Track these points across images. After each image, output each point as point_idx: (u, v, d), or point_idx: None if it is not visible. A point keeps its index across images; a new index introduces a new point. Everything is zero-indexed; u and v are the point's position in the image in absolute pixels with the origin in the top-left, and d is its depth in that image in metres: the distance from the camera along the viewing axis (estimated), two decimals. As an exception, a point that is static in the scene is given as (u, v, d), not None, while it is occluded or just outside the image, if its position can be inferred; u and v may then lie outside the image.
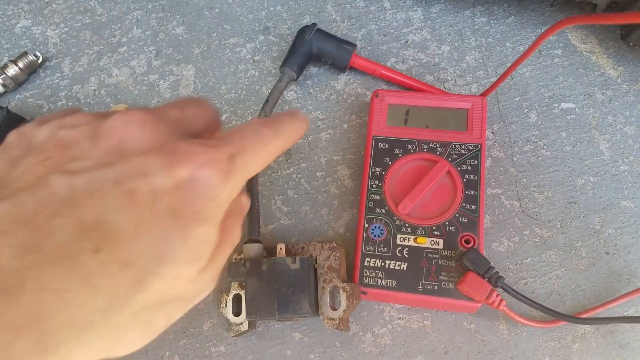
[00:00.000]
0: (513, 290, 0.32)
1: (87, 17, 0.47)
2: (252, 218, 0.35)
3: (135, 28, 0.46)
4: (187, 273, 0.20)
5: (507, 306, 0.32)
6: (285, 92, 0.43)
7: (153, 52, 0.45)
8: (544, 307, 0.32)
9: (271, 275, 0.31)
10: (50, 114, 0.26)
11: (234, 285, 0.34)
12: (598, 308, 0.34)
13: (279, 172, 0.40)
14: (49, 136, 0.20)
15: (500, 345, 0.34)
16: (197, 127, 0.23)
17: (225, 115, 0.43)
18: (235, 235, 0.23)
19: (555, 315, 0.32)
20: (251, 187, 0.36)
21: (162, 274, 0.18)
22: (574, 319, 0.33)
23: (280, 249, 0.33)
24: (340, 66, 0.42)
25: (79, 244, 0.17)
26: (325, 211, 0.39)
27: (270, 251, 0.34)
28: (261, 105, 0.40)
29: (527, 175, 0.39)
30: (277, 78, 0.41)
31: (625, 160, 0.39)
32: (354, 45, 0.41)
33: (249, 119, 0.42)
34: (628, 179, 0.38)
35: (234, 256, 0.35)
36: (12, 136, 0.22)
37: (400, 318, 0.35)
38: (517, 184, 0.39)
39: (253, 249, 0.33)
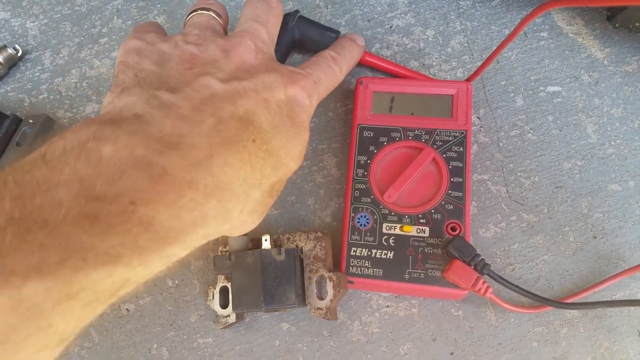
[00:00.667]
0: (499, 277, 0.32)
1: (66, 8, 0.46)
2: None
3: (115, 18, 0.45)
4: (294, 167, 0.27)
5: (494, 293, 0.32)
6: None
7: (134, 43, 0.44)
8: (530, 293, 0.32)
9: (257, 268, 0.31)
10: (139, 25, 0.30)
11: (220, 278, 0.34)
12: (585, 292, 0.34)
13: (264, 163, 0.40)
14: (180, 49, 0.25)
15: (488, 332, 0.34)
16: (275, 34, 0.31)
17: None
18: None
19: (541, 301, 0.32)
20: None
21: (287, 165, 0.25)
22: (560, 304, 0.33)
23: (266, 240, 0.33)
24: None
25: (243, 133, 0.23)
26: (311, 200, 0.39)
27: (256, 243, 0.34)
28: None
29: (513, 160, 0.39)
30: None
31: (612, 143, 0.39)
32: (337, 32, 0.41)
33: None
34: (615, 162, 0.38)
35: (220, 249, 0.34)
36: (135, 42, 0.26)
37: (387, 306, 0.35)
38: (504, 169, 0.38)
39: (238, 241, 0.33)
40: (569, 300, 0.34)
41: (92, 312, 0.18)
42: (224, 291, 0.34)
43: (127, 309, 0.37)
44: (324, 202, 0.38)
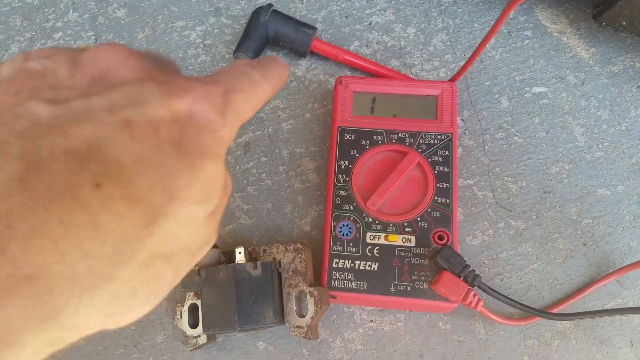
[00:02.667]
0: (491, 289, 0.30)
1: (16, 0, 0.42)
2: None
3: (71, 11, 0.42)
4: (197, 215, 0.18)
5: (484, 306, 0.30)
6: (242, 80, 0.40)
7: (92, 38, 0.41)
8: (524, 306, 0.30)
9: (230, 284, 0.28)
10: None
11: (189, 295, 0.31)
12: (574, 297, 0.33)
13: (237, 167, 0.37)
14: (17, 68, 0.18)
15: (477, 346, 0.32)
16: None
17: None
18: (229, 186, 0.22)
19: (535, 313, 0.31)
20: None
21: (174, 213, 0.16)
22: (553, 315, 0.31)
23: (240, 253, 0.30)
24: (300, 51, 0.39)
25: (76, 177, 0.14)
26: (289, 208, 0.36)
27: (229, 256, 0.31)
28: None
29: (500, 165, 0.37)
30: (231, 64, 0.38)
31: (600, 146, 0.37)
32: (313, 28, 0.38)
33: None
34: (603, 166, 0.37)
35: None
36: None
37: (371, 321, 0.33)
38: (490, 173, 0.37)
39: (208, 255, 0.30)
40: (559, 308, 0.32)
41: None
42: (193, 309, 0.31)
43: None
44: (303, 209, 0.36)
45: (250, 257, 0.31)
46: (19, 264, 0.13)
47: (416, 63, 0.40)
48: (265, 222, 0.35)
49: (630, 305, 0.33)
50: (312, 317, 0.29)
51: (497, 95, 0.39)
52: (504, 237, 0.35)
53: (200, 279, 0.28)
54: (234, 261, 0.30)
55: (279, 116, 0.39)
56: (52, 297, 0.14)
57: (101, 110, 0.16)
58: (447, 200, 0.32)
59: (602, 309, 0.32)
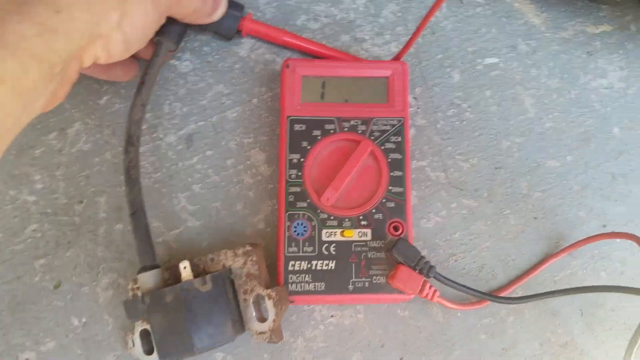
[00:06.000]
0: (446, 278, 0.30)
1: None
2: (141, 238, 0.29)
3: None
4: None
5: (441, 296, 0.31)
6: (178, 64, 0.36)
7: None
8: (479, 292, 0.31)
9: (179, 306, 0.26)
10: None
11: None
12: (525, 277, 0.33)
13: (180, 164, 0.35)
14: None
15: (436, 329, 0.33)
16: None
17: (107, 100, 0.35)
18: None
19: (490, 299, 0.31)
20: (133, 199, 0.30)
21: None
22: (507, 299, 0.32)
23: (185, 268, 0.28)
24: (227, 36, 0.35)
25: None
26: (239, 205, 0.34)
27: (173, 272, 0.29)
28: (135, 90, 0.32)
29: (452, 143, 0.36)
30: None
31: (550, 116, 0.37)
32: (240, 8, 0.35)
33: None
34: (553, 137, 0.37)
35: (130, 286, 0.30)
36: None
37: (332, 316, 0.33)
38: (442, 153, 0.36)
39: (150, 278, 0.28)
40: (513, 288, 0.33)
41: None
42: (145, 334, 0.29)
43: (26, 359, 0.31)
44: (255, 205, 0.34)
45: (198, 270, 0.29)
46: None
47: (367, 37, 0.38)
48: (214, 222, 0.34)
49: (579, 274, 0.34)
50: (274, 320, 0.29)
51: (449, 69, 0.38)
52: (456, 218, 0.35)
53: (144, 306, 0.27)
54: (179, 279, 0.28)
55: (223, 103, 0.36)
56: None
57: None
58: (401, 189, 0.32)
59: (553, 289, 0.33)
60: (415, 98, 0.37)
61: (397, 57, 0.35)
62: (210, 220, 0.34)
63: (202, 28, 0.35)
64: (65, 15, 0.23)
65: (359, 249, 0.31)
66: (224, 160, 0.35)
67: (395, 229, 0.31)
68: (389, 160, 0.32)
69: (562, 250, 0.34)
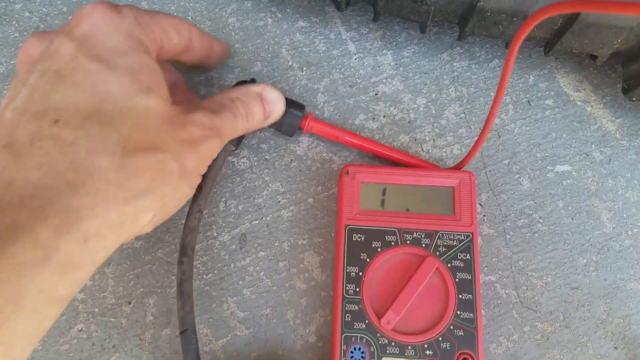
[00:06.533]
0: None
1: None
2: (189, 357, 0.27)
3: None
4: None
5: None
6: (235, 161, 0.36)
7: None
8: None
9: None
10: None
11: None
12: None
13: (232, 265, 0.33)
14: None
15: None
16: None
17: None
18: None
19: None
20: (184, 316, 0.28)
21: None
22: None
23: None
24: (289, 133, 0.35)
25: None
26: (291, 314, 0.32)
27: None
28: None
29: (523, 257, 0.34)
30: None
31: (630, 232, 0.34)
32: (302, 108, 0.34)
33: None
34: (634, 256, 0.34)
35: None
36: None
37: None
38: (513, 267, 0.33)
39: None
40: None
41: None
42: None
43: None
44: (307, 314, 0.32)
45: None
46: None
47: (427, 139, 0.36)
48: (264, 332, 0.32)
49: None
50: None
51: (517, 175, 0.35)
52: (529, 343, 0.32)
53: None
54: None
55: (279, 202, 0.35)
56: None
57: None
58: (472, 315, 0.29)
59: None
60: (481, 205, 0.35)
61: (461, 164, 0.33)
62: (260, 329, 0.32)
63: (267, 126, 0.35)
64: (92, 244, 0.20)
65: (422, 381, 0.28)
66: (277, 263, 0.33)
67: (464, 360, 0.28)
68: (457, 280, 0.30)
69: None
